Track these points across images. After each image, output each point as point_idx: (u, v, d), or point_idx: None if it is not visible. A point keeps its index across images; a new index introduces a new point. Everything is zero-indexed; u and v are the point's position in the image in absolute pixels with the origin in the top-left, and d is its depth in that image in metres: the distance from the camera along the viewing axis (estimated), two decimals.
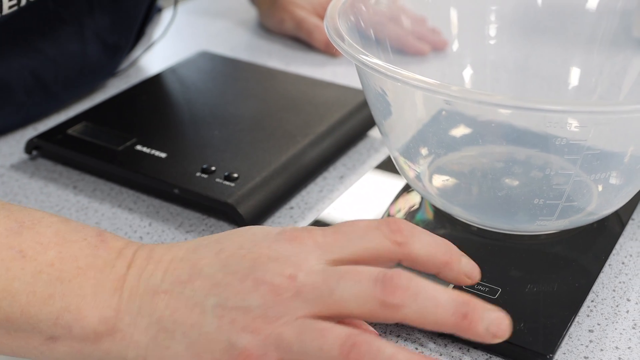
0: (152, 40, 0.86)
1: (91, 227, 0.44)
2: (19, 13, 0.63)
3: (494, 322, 0.38)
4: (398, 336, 0.47)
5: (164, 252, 0.42)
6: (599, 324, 0.48)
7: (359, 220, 0.41)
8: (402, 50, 0.62)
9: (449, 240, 0.52)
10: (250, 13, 0.96)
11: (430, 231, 0.50)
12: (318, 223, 0.54)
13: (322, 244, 0.40)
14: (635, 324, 0.48)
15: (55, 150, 0.63)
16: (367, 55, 0.46)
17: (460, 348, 0.46)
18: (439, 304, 0.37)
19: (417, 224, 0.54)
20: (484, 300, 0.38)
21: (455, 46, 0.63)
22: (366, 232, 0.40)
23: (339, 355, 0.36)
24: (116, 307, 0.40)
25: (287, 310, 0.38)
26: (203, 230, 0.57)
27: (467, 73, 0.63)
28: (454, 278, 0.41)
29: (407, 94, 0.51)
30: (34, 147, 0.64)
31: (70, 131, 0.64)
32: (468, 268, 0.41)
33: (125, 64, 0.81)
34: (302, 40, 0.87)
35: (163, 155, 0.60)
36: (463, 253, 0.41)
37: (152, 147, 0.61)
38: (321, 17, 0.87)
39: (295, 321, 0.37)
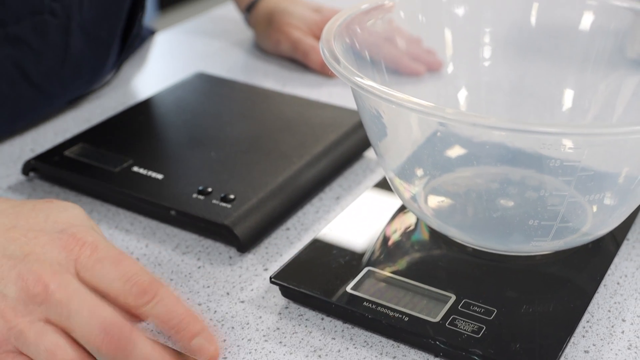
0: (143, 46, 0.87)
1: None
2: (13, 3, 0.64)
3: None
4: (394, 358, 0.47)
5: None
6: (594, 345, 0.48)
7: (128, 263, 0.44)
8: (397, 71, 0.62)
9: (444, 261, 0.52)
10: (246, 34, 0.96)
11: (426, 252, 0.51)
12: (316, 243, 0.54)
13: (85, 266, 0.44)
14: (630, 345, 0.48)
15: (52, 172, 0.63)
16: (361, 78, 0.46)
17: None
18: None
19: (413, 245, 0.54)
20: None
21: (450, 68, 0.64)
22: (117, 278, 0.43)
23: None
24: None
25: (33, 311, 0.42)
26: (199, 251, 0.57)
27: (462, 94, 0.64)
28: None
29: (402, 116, 0.51)
30: (31, 169, 0.64)
31: (67, 153, 0.64)
32: (198, 348, 0.44)
33: (108, 77, 0.82)
34: (298, 61, 0.88)
35: (160, 176, 0.60)
36: (201, 329, 0.44)
37: (149, 169, 0.61)
38: (317, 37, 0.87)
39: (37, 323, 0.42)
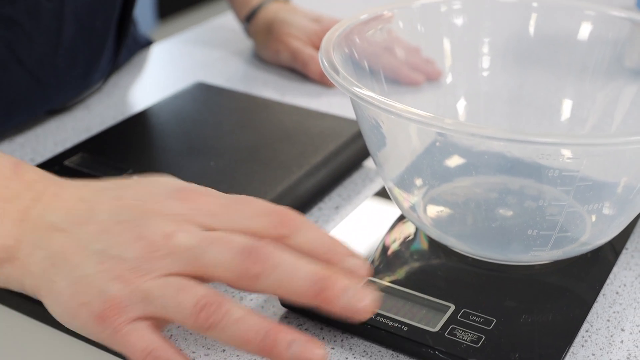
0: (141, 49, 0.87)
1: (10, 157, 0.47)
2: None
3: (353, 298, 0.39)
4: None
5: (73, 191, 0.45)
6: (593, 354, 0.48)
7: (255, 200, 0.43)
8: (397, 81, 0.63)
9: (443, 271, 0.52)
10: (245, 43, 0.97)
11: (425, 262, 0.51)
12: None
13: (211, 212, 0.42)
14: (629, 354, 0.48)
15: None
16: (360, 88, 0.47)
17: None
18: (296, 276, 0.39)
19: (412, 254, 0.54)
20: (350, 276, 0.40)
21: (449, 78, 0.64)
22: (256, 215, 0.42)
23: (191, 313, 0.39)
24: (17, 237, 0.43)
25: (158, 266, 0.40)
26: None
27: (462, 104, 0.64)
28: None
29: (401, 126, 0.52)
30: None
31: (67, 162, 0.64)
32: (352, 266, 0.42)
33: (102, 80, 0.82)
34: (298, 70, 0.88)
35: None
36: (349, 252, 0.42)
37: None
38: (316, 47, 0.88)
39: (162, 278, 0.40)
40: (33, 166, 0.48)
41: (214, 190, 0.44)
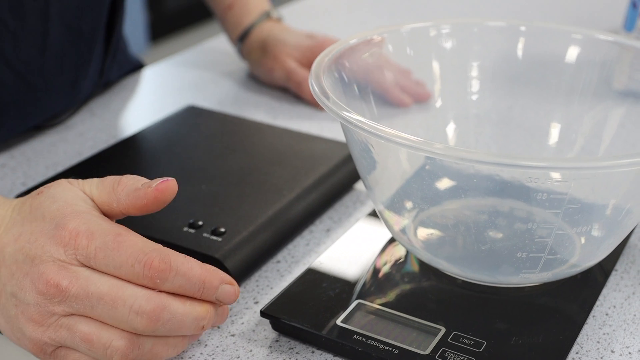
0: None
1: None
2: None
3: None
4: None
5: None
6: None
7: (127, 243, 0.45)
8: (386, 102, 0.63)
9: (434, 293, 0.52)
10: (237, 66, 0.97)
11: (415, 284, 0.51)
12: (306, 275, 0.54)
13: (87, 256, 0.44)
14: None
15: None
16: (350, 113, 0.47)
17: None
18: (185, 324, 0.45)
19: (403, 277, 0.55)
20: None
21: (438, 102, 0.64)
22: (125, 264, 0.44)
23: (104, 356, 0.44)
24: None
25: (57, 310, 0.44)
26: None
27: (451, 127, 0.64)
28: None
29: (391, 150, 0.52)
30: None
31: None
32: (223, 296, 0.47)
33: (91, 90, 0.82)
34: (290, 90, 0.88)
35: None
36: (220, 280, 0.46)
37: None
38: (311, 63, 0.88)
39: (65, 319, 0.44)
40: None
41: (90, 219, 0.46)
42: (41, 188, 0.49)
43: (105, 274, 0.44)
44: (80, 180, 0.50)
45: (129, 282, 0.44)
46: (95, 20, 0.79)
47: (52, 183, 0.49)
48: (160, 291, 0.44)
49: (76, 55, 0.78)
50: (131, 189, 0.48)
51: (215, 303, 0.47)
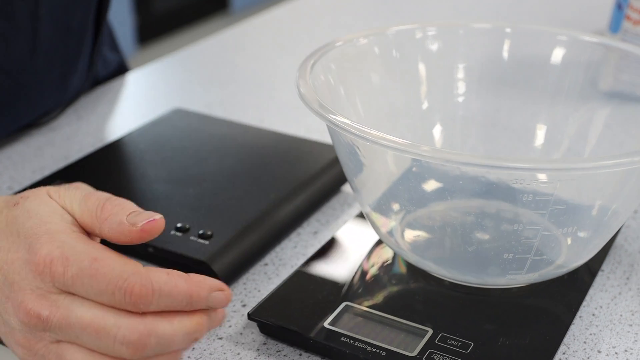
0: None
1: None
2: None
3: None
4: None
5: None
6: None
7: (103, 272, 0.41)
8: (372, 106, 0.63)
9: (421, 295, 0.52)
10: (224, 69, 0.97)
11: (403, 286, 0.51)
12: (294, 278, 0.54)
13: (67, 283, 0.42)
14: None
15: None
16: (336, 116, 0.47)
17: None
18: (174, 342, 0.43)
19: (390, 279, 0.55)
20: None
21: (425, 104, 0.64)
22: (104, 292, 0.41)
23: None
24: None
25: (43, 336, 0.42)
26: None
27: (438, 129, 0.64)
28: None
29: (377, 152, 0.52)
30: None
31: None
32: (214, 303, 0.44)
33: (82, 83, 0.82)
34: (275, 97, 0.88)
35: None
36: (209, 287, 0.43)
37: None
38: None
39: (52, 345, 0.42)
40: None
41: (65, 243, 0.43)
42: (17, 197, 0.46)
43: (87, 300, 0.42)
44: (61, 191, 0.46)
45: (112, 307, 0.42)
46: (84, 15, 0.79)
47: (29, 192, 0.46)
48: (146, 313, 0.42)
49: (66, 51, 0.78)
50: (115, 223, 0.44)
51: (207, 310, 0.44)
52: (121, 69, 0.96)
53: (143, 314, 0.42)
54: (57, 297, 0.42)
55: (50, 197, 0.46)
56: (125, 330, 0.41)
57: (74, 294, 0.42)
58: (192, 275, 0.43)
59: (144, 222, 0.44)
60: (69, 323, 0.41)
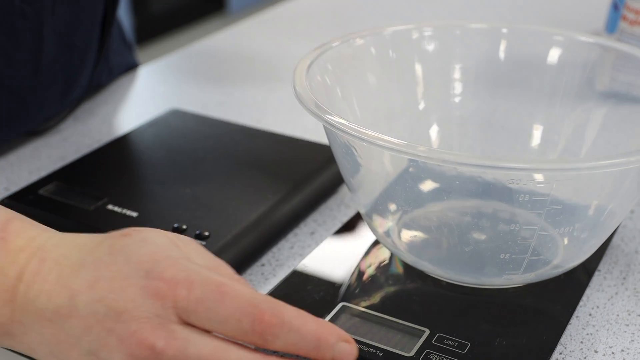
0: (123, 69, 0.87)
1: (3, 212, 0.44)
2: None
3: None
4: None
5: (51, 266, 0.41)
6: None
7: (233, 293, 0.39)
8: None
9: (418, 295, 0.52)
10: (220, 68, 0.97)
11: (400, 286, 0.51)
12: (291, 279, 0.54)
13: (186, 310, 0.39)
14: None
15: (27, 211, 0.62)
16: (333, 116, 0.47)
17: None
18: None
19: (387, 279, 0.55)
20: None
21: (421, 104, 0.64)
22: (230, 319, 0.38)
23: None
24: (10, 316, 0.41)
25: None
26: None
27: (434, 129, 0.65)
28: None
29: (374, 153, 0.52)
30: None
31: (41, 191, 0.64)
32: (340, 356, 0.40)
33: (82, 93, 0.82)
34: (273, 96, 0.88)
35: (134, 214, 0.60)
36: (337, 336, 0.40)
37: (123, 207, 0.61)
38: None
39: None
40: (24, 222, 0.44)
41: (189, 267, 0.40)
42: (128, 230, 0.42)
43: (206, 333, 0.39)
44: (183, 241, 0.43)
45: (233, 341, 0.39)
46: (88, 32, 0.79)
47: (143, 228, 0.42)
48: (269, 354, 0.39)
49: (69, 67, 0.78)
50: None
51: None
52: (130, 69, 0.96)
53: (266, 353, 0.39)
54: (175, 327, 0.38)
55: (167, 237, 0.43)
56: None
57: (193, 325, 0.39)
58: (320, 319, 0.40)
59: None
60: (186, 356, 0.38)
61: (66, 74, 0.78)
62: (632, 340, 0.52)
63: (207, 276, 0.39)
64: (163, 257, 0.40)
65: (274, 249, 0.62)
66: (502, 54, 0.65)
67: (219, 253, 0.56)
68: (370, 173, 0.54)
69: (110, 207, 0.62)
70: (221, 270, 0.42)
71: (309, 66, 0.55)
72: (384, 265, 0.56)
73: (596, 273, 0.58)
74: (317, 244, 0.62)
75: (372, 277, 0.55)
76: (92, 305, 0.39)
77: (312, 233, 0.64)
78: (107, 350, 0.38)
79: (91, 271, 0.40)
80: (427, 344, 0.48)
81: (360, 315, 0.51)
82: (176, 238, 0.43)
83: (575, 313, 0.54)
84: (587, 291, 0.56)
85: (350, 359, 0.40)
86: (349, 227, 0.61)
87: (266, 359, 0.39)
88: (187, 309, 0.38)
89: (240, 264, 0.58)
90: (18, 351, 0.43)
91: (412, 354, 0.48)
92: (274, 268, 0.59)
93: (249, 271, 0.59)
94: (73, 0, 0.74)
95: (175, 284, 0.39)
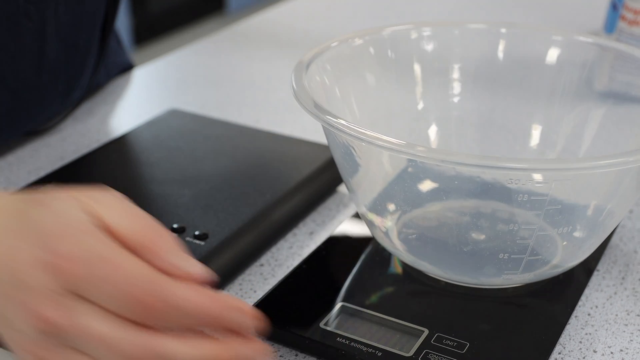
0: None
1: None
2: None
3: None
4: None
5: None
6: None
7: (112, 278, 0.39)
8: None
9: (417, 295, 0.52)
10: (220, 70, 0.97)
11: (398, 286, 0.51)
12: (290, 279, 0.54)
13: (74, 284, 0.39)
14: None
15: None
16: (332, 117, 0.47)
17: None
18: None
19: (386, 279, 0.55)
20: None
21: (420, 104, 0.64)
22: (117, 296, 0.39)
23: None
24: None
25: (52, 341, 0.39)
26: None
27: (433, 129, 0.65)
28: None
29: (373, 152, 0.52)
30: None
31: None
32: (238, 320, 0.40)
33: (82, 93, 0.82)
34: (272, 95, 0.88)
35: None
36: (232, 308, 0.40)
37: None
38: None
39: (61, 351, 0.39)
40: None
41: (92, 244, 0.40)
42: (46, 198, 0.42)
43: (99, 307, 0.39)
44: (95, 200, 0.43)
45: (123, 318, 0.39)
46: (90, 32, 0.79)
47: (62, 195, 0.42)
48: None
49: (71, 68, 0.78)
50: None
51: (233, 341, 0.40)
52: (125, 70, 0.96)
53: (152, 329, 0.39)
54: (68, 301, 0.39)
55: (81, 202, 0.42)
56: (127, 345, 0.38)
57: (87, 299, 0.39)
58: (210, 292, 0.40)
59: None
60: (78, 329, 0.39)
61: (68, 75, 0.78)
62: (631, 340, 0.52)
63: (101, 255, 0.39)
64: (68, 232, 0.40)
65: (273, 249, 0.62)
66: (500, 54, 0.65)
67: (217, 253, 0.56)
68: (369, 173, 0.54)
69: None
70: (146, 232, 0.42)
71: (308, 66, 0.55)
72: (383, 265, 0.56)
73: (595, 273, 0.58)
74: (316, 244, 0.62)
75: (371, 277, 0.55)
76: (1, 274, 0.40)
77: (311, 233, 0.64)
78: (15, 318, 0.40)
79: (10, 239, 0.41)
80: (426, 343, 0.48)
81: (359, 315, 0.51)
82: (96, 204, 0.42)
83: (574, 313, 0.54)
84: (586, 291, 0.56)
85: (248, 323, 0.40)
86: (347, 227, 0.61)
87: (150, 336, 0.39)
88: (79, 287, 0.39)
89: (239, 264, 0.58)
90: None
91: (411, 353, 0.48)
92: (273, 268, 0.59)
93: (247, 271, 0.59)
94: (76, 1, 0.75)
95: (68, 260, 0.39)
